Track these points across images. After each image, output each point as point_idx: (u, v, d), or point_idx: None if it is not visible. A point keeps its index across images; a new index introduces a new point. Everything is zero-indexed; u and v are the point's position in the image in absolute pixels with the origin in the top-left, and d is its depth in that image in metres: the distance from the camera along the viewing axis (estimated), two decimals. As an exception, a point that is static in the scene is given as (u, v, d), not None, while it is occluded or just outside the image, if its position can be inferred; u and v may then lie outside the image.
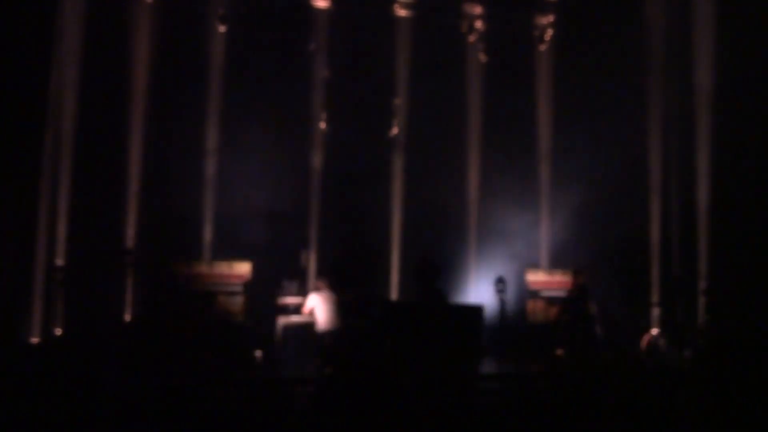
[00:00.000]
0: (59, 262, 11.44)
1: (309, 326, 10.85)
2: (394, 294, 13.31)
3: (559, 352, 10.92)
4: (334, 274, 11.71)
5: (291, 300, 11.54)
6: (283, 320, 11.28)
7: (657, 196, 13.68)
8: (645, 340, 11.88)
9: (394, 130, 13.69)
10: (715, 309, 11.46)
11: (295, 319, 11.25)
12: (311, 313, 10.74)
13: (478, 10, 13.70)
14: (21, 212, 10.70)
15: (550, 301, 12.49)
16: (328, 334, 10.58)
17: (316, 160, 13.35)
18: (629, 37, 13.57)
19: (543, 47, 13.98)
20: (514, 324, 12.38)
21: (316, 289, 11.07)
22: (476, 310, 11.83)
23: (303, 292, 11.79)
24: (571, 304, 11.05)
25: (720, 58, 12.73)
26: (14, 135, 10.51)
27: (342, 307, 10.91)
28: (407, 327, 10.56)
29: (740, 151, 12.49)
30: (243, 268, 11.87)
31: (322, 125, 13.32)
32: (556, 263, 13.65)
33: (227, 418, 7.27)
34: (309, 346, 10.79)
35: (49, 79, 11.09)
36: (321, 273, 12.28)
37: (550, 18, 13.88)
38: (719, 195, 12.85)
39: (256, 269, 11.97)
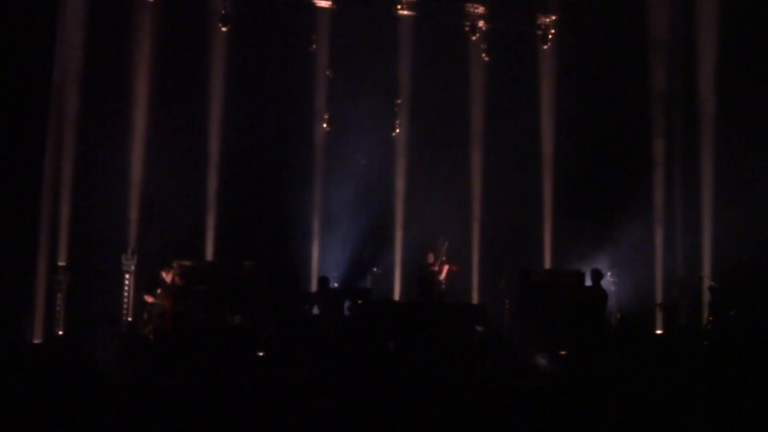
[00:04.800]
0: (61, 262, 11.41)
1: (310, 327, 10.77)
2: (396, 294, 13.28)
3: (564, 351, 10.90)
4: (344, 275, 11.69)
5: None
6: (284, 321, 11.19)
7: (661, 196, 13.64)
8: (649, 341, 11.82)
9: (396, 130, 13.66)
10: (720, 309, 11.41)
11: (296, 319, 11.16)
12: (318, 312, 10.68)
13: (480, 9, 13.68)
14: (23, 212, 10.67)
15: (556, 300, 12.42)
16: (328, 335, 10.51)
17: (318, 160, 13.30)
18: (631, 36, 13.55)
19: (546, 47, 13.95)
20: (517, 324, 12.35)
21: (320, 289, 11.00)
22: (479, 310, 11.87)
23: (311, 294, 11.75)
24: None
25: (721, 46, 12.74)
26: (16, 135, 10.48)
27: (342, 307, 10.85)
28: (410, 327, 10.58)
29: (743, 148, 12.48)
30: (245, 269, 11.77)
31: (324, 125, 13.27)
32: (558, 264, 13.60)
33: (228, 418, 7.24)
34: (309, 346, 10.71)
35: (51, 79, 11.06)
36: (323, 274, 12.24)
37: (553, 17, 13.86)
38: (722, 194, 12.84)
39: (257, 270, 11.91)
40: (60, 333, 11.03)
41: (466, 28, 13.74)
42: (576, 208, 13.63)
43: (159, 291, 10.32)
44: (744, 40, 12.37)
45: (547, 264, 13.80)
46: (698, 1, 13.01)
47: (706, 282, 12.25)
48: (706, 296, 12.11)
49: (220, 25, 12.65)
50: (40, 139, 10.95)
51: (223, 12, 12.64)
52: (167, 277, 10.56)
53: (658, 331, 12.45)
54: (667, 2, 13.49)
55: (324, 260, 13.09)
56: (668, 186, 13.69)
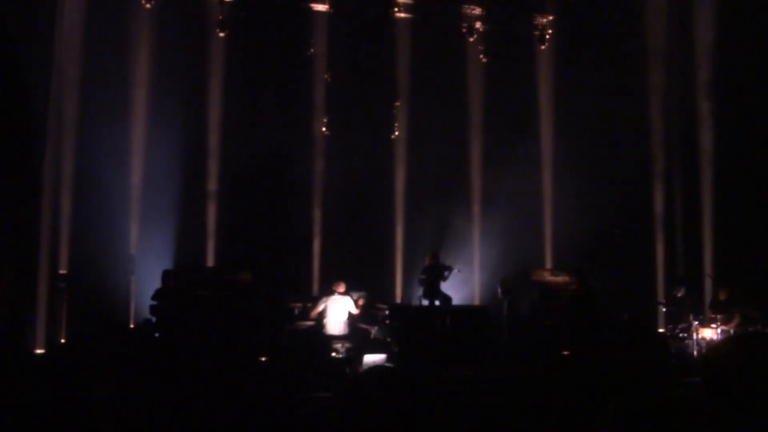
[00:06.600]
0: (62, 270, 11.41)
1: (315, 331, 10.78)
2: (397, 294, 13.28)
3: (565, 352, 10.89)
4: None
5: (296, 305, 11.48)
6: (289, 326, 11.19)
7: (661, 194, 13.64)
8: (651, 340, 11.81)
9: (395, 132, 13.66)
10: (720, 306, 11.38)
11: (301, 324, 11.16)
12: (319, 317, 10.67)
13: (477, 10, 13.67)
14: (23, 220, 10.66)
15: (555, 301, 12.42)
16: (336, 339, 10.52)
17: (318, 164, 13.29)
18: (629, 35, 13.55)
19: (543, 47, 13.95)
20: (519, 325, 12.34)
21: (330, 293, 10.96)
22: (481, 312, 11.87)
23: (308, 297, 11.76)
24: (576, 304, 11.02)
25: (720, 45, 12.72)
26: (15, 143, 10.47)
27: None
28: (415, 330, 10.58)
29: (743, 145, 12.47)
30: (247, 274, 11.77)
31: (323, 129, 13.27)
32: (560, 263, 13.59)
33: (232, 425, 7.23)
34: (315, 351, 10.72)
35: (50, 86, 11.06)
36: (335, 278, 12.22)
37: (550, 17, 13.85)
38: (724, 193, 12.82)
39: (260, 275, 11.91)
40: (62, 341, 11.03)
41: (463, 30, 13.73)
42: (577, 208, 13.59)
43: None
44: (743, 43, 12.36)
45: (548, 264, 13.81)
46: (696, 3, 13.00)
47: (709, 280, 12.26)
48: (709, 295, 12.12)
49: (217, 30, 12.65)
50: (39, 144, 10.94)
51: (220, 17, 12.63)
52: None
53: (660, 330, 12.45)
54: (664, 3, 13.48)
55: (324, 263, 13.09)
56: (669, 183, 13.68)
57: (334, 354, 10.40)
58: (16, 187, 10.55)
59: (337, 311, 10.56)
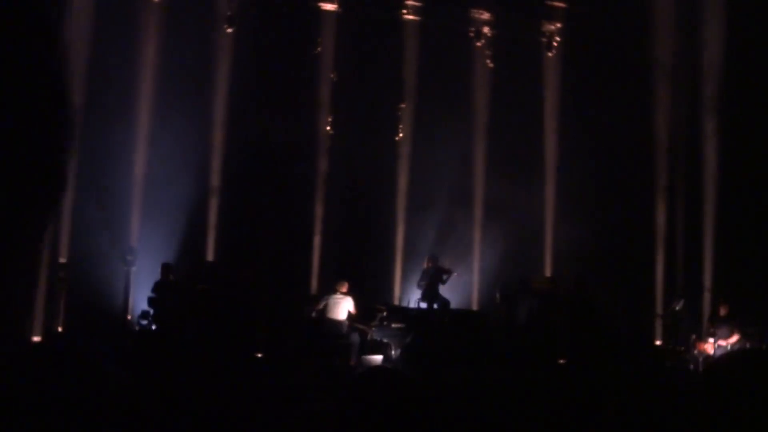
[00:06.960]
0: (62, 259, 11.41)
1: (314, 329, 10.78)
2: (395, 295, 13.27)
3: (562, 360, 10.88)
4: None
5: (296, 302, 11.48)
6: (287, 323, 11.19)
7: (663, 207, 13.63)
8: (648, 352, 11.80)
9: (400, 134, 13.66)
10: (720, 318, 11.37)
11: (300, 321, 11.16)
12: (320, 314, 10.67)
13: (485, 15, 13.67)
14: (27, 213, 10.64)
15: (553, 309, 12.41)
16: (335, 338, 10.52)
17: (322, 162, 13.29)
18: (636, 47, 13.54)
19: (550, 54, 13.94)
20: (516, 331, 12.33)
21: (332, 291, 10.97)
22: (480, 317, 11.86)
23: (307, 294, 11.76)
24: (574, 313, 11.01)
25: (726, 60, 12.71)
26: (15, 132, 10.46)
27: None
28: (413, 332, 10.59)
29: (746, 151, 12.48)
30: (247, 270, 11.77)
31: (328, 128, 13.28)
32: (560, 272, 13.57)
33: (231, 421, 7.23)
34: (313, 349, 10.72)
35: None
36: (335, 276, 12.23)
37: (558, 24, 13.86)
38: (726, 208, 12.81)
39: (259, 271, 11.91)
40: (60, 330, 11.03)
41: (471, 34, 13.73)
42: (579, 216, 13.59)
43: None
44: (749, 59, 12.35)
45: (548, 272, 13.79)
46: (703, 17, 13.00)
47: (708, 295, 12.25)
48: (708, 309, 12.11)
49: (225, 26, 12.66)
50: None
51: (228, 14, 12.64)
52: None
53: (657, 342, 12.43)
54: (672, 15, 13.47)
55: (324, 260, 13.09)
56: (671, 190, 13.68)
57: (332, 352, 10.40)
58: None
59: (338, 310, 10.56)
